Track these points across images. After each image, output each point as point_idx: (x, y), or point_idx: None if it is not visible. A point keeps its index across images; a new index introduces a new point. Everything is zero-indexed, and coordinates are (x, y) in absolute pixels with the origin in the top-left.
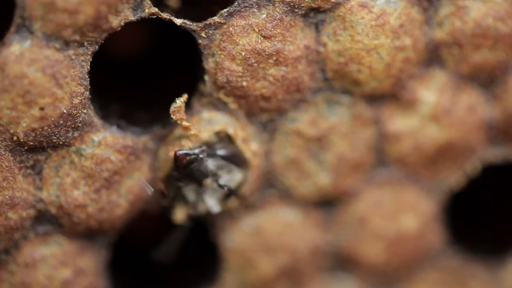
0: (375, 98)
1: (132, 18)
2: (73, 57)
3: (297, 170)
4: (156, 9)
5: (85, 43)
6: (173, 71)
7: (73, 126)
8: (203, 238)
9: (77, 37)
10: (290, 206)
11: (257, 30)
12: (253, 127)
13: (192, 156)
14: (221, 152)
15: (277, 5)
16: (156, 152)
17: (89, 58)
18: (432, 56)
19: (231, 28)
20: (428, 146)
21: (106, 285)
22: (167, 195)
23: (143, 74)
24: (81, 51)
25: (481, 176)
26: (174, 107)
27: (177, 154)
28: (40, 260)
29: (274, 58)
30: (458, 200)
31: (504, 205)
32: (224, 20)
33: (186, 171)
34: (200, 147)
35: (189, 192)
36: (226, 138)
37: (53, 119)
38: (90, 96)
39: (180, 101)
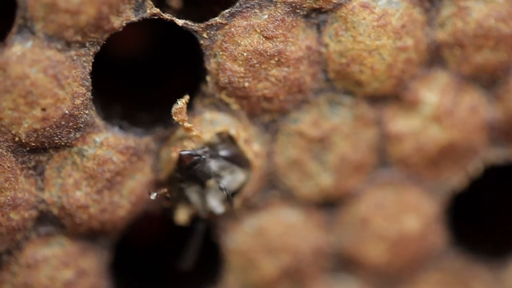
0: (377, 99)
1: (133, 18)
2: (75, 57)
3: (299, 171)
4: (158, 10)
5: (87, 44)
6: (175, 72)
7: (75, 127)
8: (205, 238)
9: (78, 38)
10: (292, 207)
11: (258, 30)
12: (255, 128)
13: (196, 157)
14: (223, 153)
15: (279, 5)
16: (158, 153)
17: (91, 58)
18: (434, 57)
19: (232, 29)
20: (430, 147)
21: (108, 286)
22: (170, 196)
23: (145, 75)
24: (82, 51)
25: (483, 177)
26: (176, 108)
27: (182, 155)
28: (42, 261)
29: (276, 59)
30: (460, 201)
31: (506, 205)
32: (225, 21)
33: (189, 172)
34: (203, 148)
35: (192, 193)
36: (228, 139)
37: (55, 119)
38: (92, 97)
39: (182, 102)
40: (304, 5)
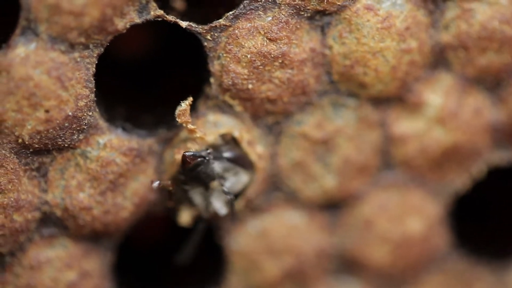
0: (381, 101)
1: (137, 20)
2: (79, 59)
3: (303, 172)
4: (162, 12)
5: (91, 46)
6: (179, 73)
7: (78, 128)
8: (208, 240)
9: (82, 40)
10: (295, 209)
11: (262, 32)
12: (258, 130)
13: (199, 159)
14: (227, 154)
15: (282, 7)
16: (162, 155)
17: (95, 60)
18: (438, 59)
19: (236, 31)
20: (434, 149)
21: (111, 287)
22: (173, 197)
23: (148, 77)
24: (86, 53)
25: (486, 179)
26: (180, 110)
27: (185, 157)
28: (46, 262)
29: (280, 61)
30: (463, 203)
31: (510, 208)
32: (229, 23)
33: (192, 174)
34: (206, 149)
35: (196, 195)
36: (231, 141)
37: (58, 121)
38: (95, 99)
39: (185, 104)
40: (308, 7)
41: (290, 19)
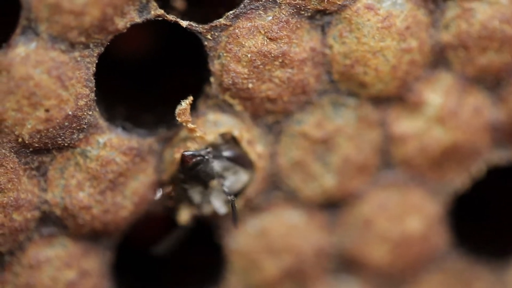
0: (381, 100)
1: (138, 20)
2: (79, 59)
3: (302, 172)
4: (162, 11)
5: (91, 45)
6: (179, 73)
7: (78, 127)
8: (207, 239)
9: (82, 39)
10: (295, 208)
11: (263, 32)
12: (258, 129)
13: (199, 158)
14: (226, 153)
15: (283, 7)
16: (162, 154)
17: (95, 60)
18: (438, 58)
19: (237, 30)
20: (434, 148)
21: (110, 287)
22: (173, 196)
23: (148, 76)
24: (86, 53)
25: (486, 178)
26: (180, 109)
27: (185, 156)
28: (45, 261)
29: (280, 60)
30: (463, 202)
31: (509, 207)
32: (230, 22)
33: (192, 173)
34: (206, 148)
35: (195, 194)
36: (231, 140)
37: (58, 120)
38: (95, 98)
39: (185, 103)
40: (309, 7)
41: (290, 19)
